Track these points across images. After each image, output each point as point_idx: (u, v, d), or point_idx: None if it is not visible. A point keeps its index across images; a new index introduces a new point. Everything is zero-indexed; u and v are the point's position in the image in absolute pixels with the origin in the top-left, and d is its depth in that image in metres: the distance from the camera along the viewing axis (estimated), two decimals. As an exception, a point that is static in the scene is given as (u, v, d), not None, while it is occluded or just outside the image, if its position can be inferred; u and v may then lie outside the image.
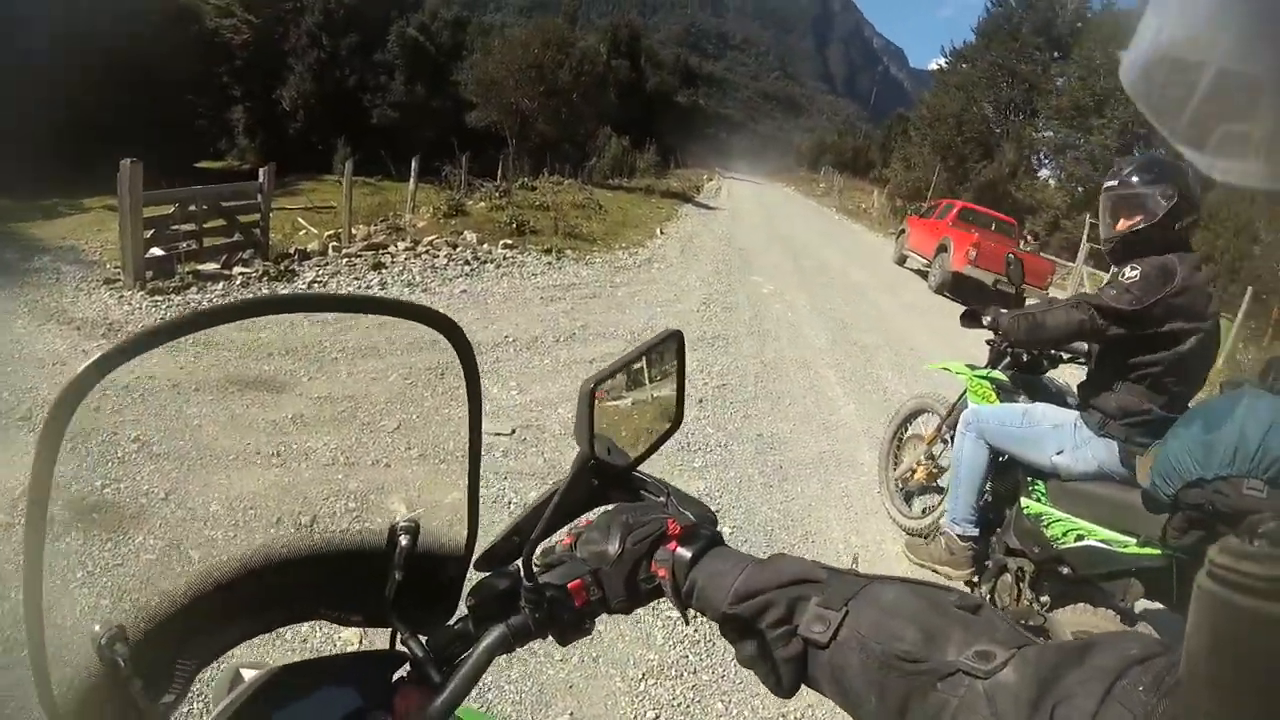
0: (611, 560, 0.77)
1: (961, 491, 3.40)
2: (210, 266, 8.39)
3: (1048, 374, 3.71)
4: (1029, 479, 3.23)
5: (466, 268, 9.53)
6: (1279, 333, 16.41)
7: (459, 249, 10.66)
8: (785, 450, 5.24)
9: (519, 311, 7.77)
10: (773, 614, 0.68)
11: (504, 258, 10.44)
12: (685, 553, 0.75)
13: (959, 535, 3.42)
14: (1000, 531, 3.36)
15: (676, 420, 0.90)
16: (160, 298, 7.26)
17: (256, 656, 0.84)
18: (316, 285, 8.01)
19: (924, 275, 16.83)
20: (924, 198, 33.74)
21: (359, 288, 8.03)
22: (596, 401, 0.76)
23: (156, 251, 8.02)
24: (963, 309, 3.70)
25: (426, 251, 10.30)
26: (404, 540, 0.76)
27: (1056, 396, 3.51)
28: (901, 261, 18.77)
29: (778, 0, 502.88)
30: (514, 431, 4.62)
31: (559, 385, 5.40)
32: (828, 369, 7.47)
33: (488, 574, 0.79)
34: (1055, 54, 37.70)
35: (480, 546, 0.81)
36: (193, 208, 8.59)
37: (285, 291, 7.33)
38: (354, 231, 11.37)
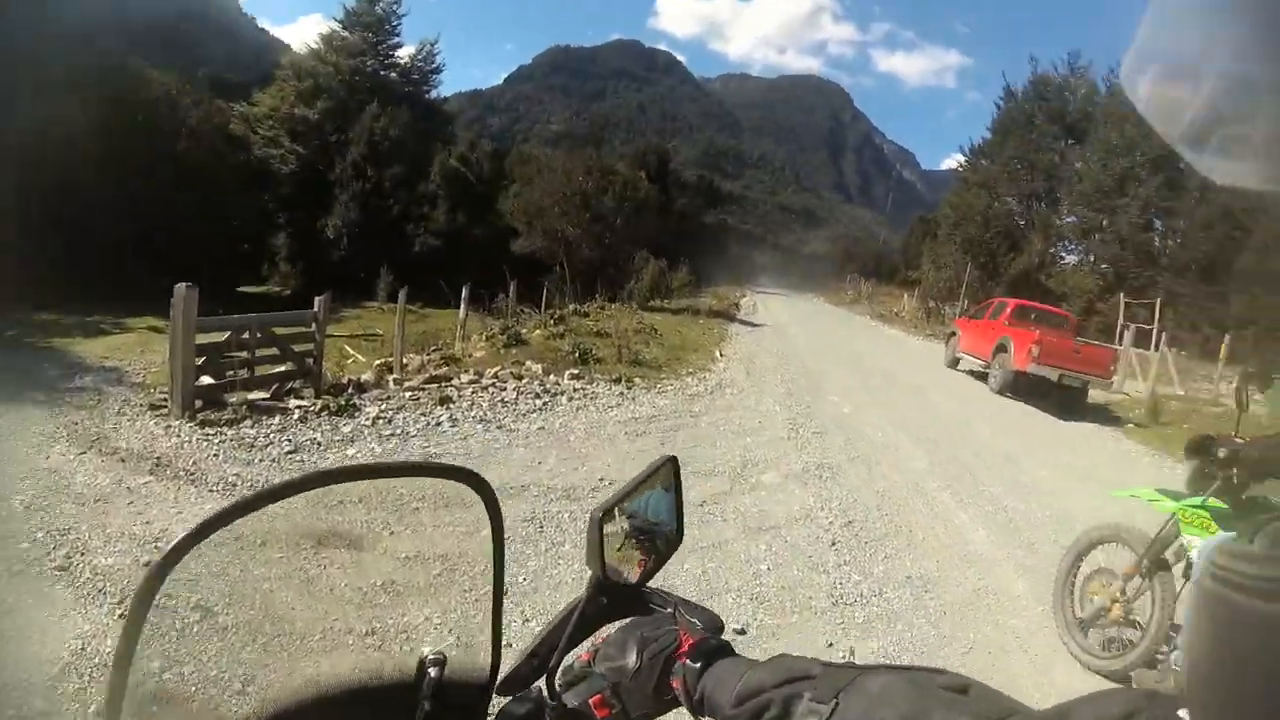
0: (630, 674, 0.81)
1: None
2: (259, 395, 8.14)
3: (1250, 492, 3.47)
4: None
5: (538, 401, 9.28)
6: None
7: (525, 380, 10.47)
8: (940, 592, 4.95)
9: (606, 449, 7.49)
10: (771, 713, 0.69)
11: (574, 389, 10.21)
12: (695, 663, 0.79)
13: None
14: None
15: (677, 538, 0.98)
16: (211, 430, 6.86)
17: None
18: (380, 420, 7.65)
19: (980, 377, 16.53)
20: (957, 297, 33.91)
21: (428, 424, 7.65)
22: (605, 527, 0.85)
23: (207, 380, 7.78)
24: (1189, 440, 3.61)
25: (493, 384, 10.11)
26: (433, 672, 0.80)
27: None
28: (954, 364, 18.44)
29: (790, 117, 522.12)
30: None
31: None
32: (941, 493, 7.16)
33: (510, 699, 0.83)
34: (1070, 141, 38.23)
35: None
36: (245, 335, 8.34)
37: (340, 444, 7.01)
38: (404, 361, 11.29)
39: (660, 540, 0.95)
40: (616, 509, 0.88)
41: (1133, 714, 0.46)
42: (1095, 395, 15.04)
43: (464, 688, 0.83)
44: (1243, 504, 3.38)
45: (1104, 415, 14.45)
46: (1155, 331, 25.07)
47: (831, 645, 3.95)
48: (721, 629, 0.85)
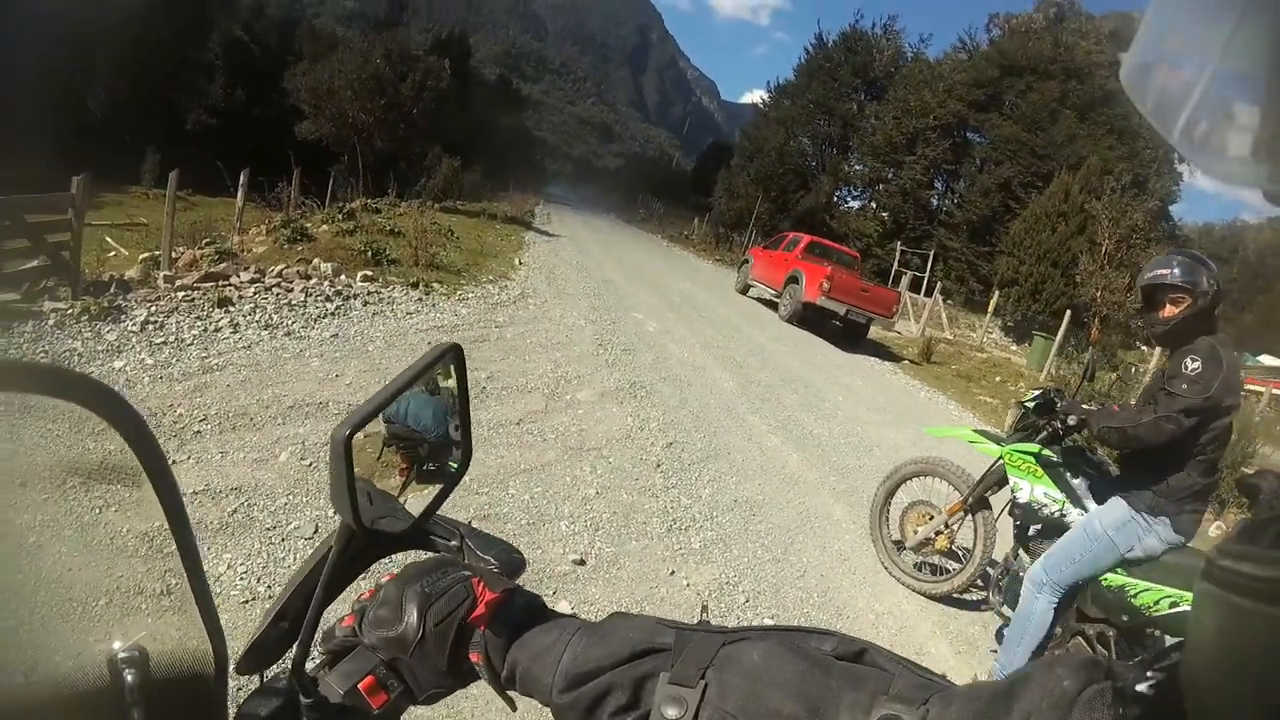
0: (411, 646, 0.62)
1: (1021, 650, 3.37)
2: (9, 297, 6.75)
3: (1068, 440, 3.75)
4: None
5: (329, 304, 8.42)
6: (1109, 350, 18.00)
7: (313, 281, 9.55)
8: (766, 514, 5.01)
9: (409, 360, 6.86)
10: (615, 699, 0.55)
11: (368, 292, 9.42)
12: (499, 631, 0.61)
13: None
14: (1074, 603, 3.39)
15: (463, 460, 0.73)
16: (-42, 346, 5.62)
17: None
18: (151, 325, 6.61)
19: (769, 305, 17.18)
20: (747, 226, 35.22)
21: (206, 329, 6.64)
22: (360, 450, 0.59)
23: (-48, 283, 6.53)
24: (1032, 396, 3.85)
25: (277, 284, 9.13)
26: (130, 676, 0.58)
27: (1095, 465, 3.63)
28: (744, 291, 19.06)
29: (597, 27, 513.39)
30: (469, 522, 3.90)
31: (498, 455, 4.72)
32: (751, 415, 7.29)
33: (255, 690, 0.65)
34: (869, 95, 40.73)
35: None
36: (-9, 223, 6.90)
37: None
38: (175, 255, 10.04)
39: (442, 462, 0.74)
40: (380, 420, 0.63)
41: (1086, 686, 0.40)
42: (871, 332, 16.10)
43: (185, 681, 0.62)
44: (1068, 452, 3.65)
45: (881, 351, 15.53)
46: (927, 279, 27.46)
47: (674, 573, 3.84)
48: (522, 567, 0.68)
